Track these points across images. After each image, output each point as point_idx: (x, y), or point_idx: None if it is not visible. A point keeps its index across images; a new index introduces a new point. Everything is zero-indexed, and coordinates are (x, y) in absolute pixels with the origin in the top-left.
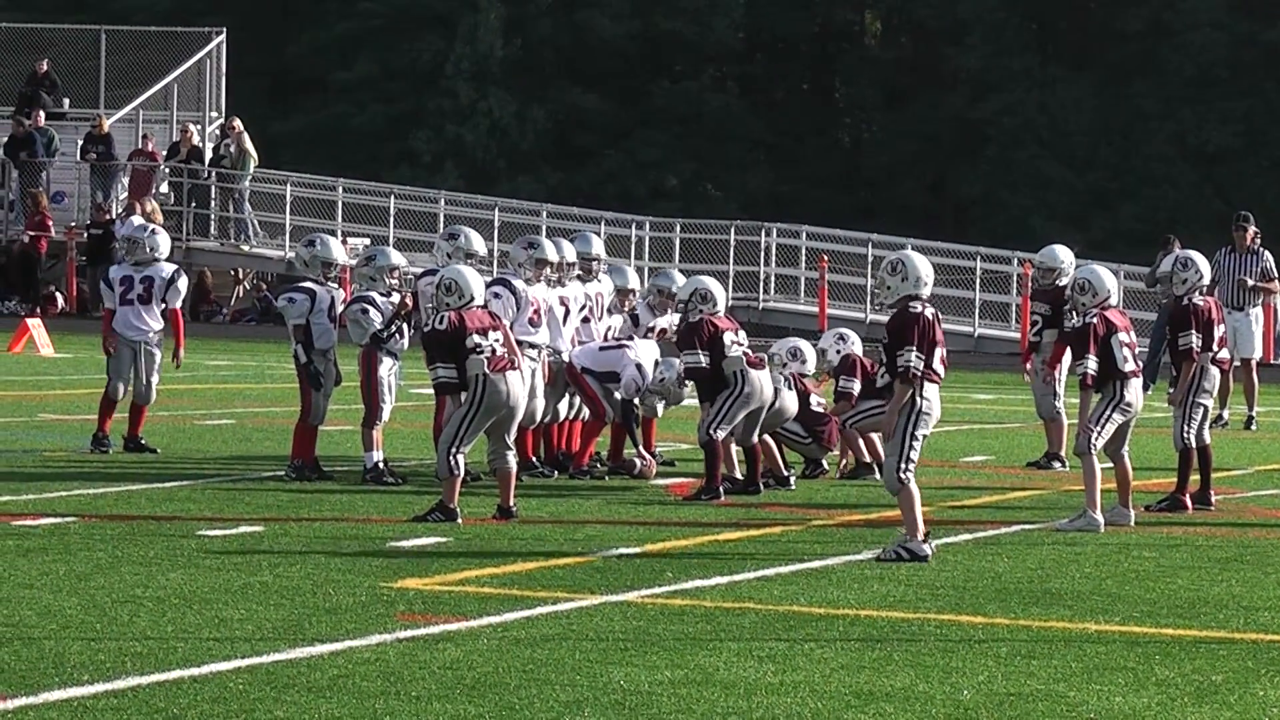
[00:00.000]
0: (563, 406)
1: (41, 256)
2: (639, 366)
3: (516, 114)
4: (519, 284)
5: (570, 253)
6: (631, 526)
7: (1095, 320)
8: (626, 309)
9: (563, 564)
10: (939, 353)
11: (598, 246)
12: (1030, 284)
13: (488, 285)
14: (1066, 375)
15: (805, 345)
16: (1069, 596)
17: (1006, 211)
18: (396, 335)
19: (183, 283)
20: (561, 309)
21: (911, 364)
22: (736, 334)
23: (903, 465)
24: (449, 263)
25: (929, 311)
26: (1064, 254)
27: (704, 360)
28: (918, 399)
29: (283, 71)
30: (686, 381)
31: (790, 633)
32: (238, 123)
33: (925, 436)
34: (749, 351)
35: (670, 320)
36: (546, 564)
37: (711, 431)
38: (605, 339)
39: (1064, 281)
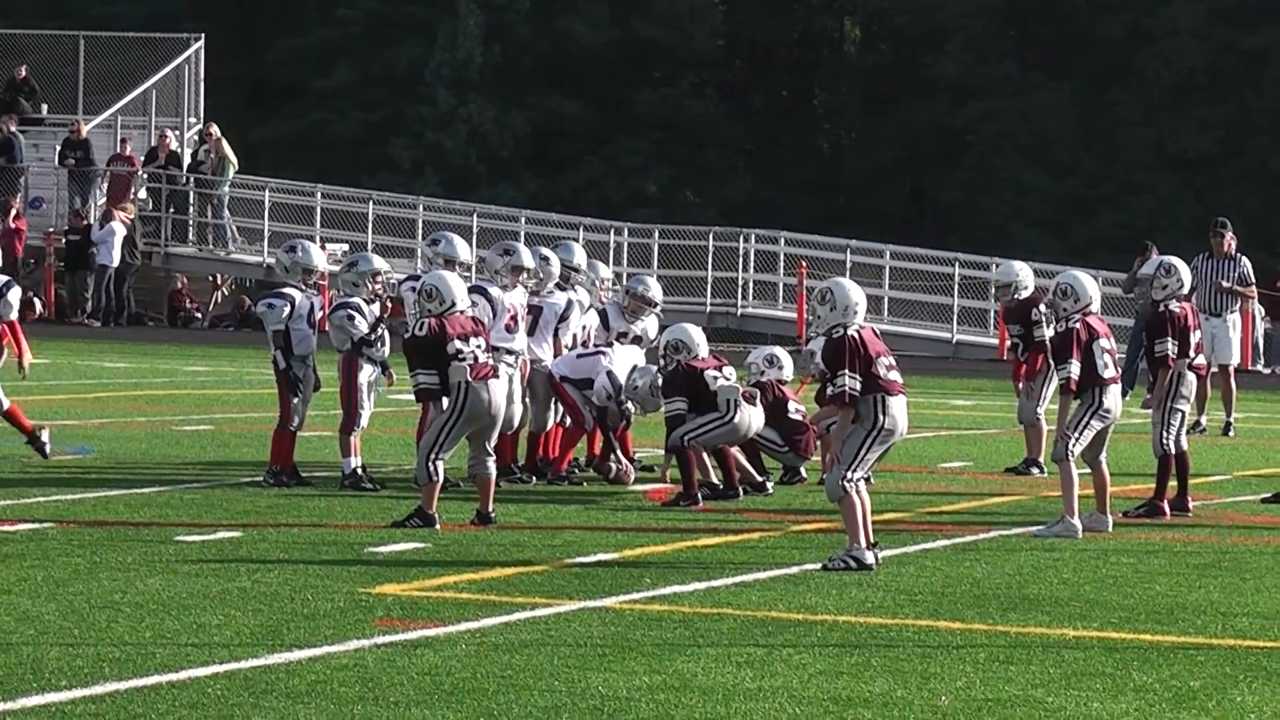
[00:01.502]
0: (551, 414)
1: (18, 261)
2: (610, 374)
3: (496, 120)
4: (495, 291)
5: (555, 264)
6: (609, 532)
7: (1078, 325)
8: (598, 305)
9: (541, 570)
10: (884, 361)
11: (579, 255)
12: (997, 301)
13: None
14: (1053, 382)
15: (782, 353)
16: (1047, 602)
17: (986, 218)
18: (379, 342)
19: (14, 294)
20: (552, 318)
21: (847, 386)
22: (720, 369)
23: (849, 474)
24: (430, 269)
25: (854, 331)
26: (1020, 268)
27: (684, 406)
28: (880, 415)
29: (262, 78)
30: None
31: (768, 638)
32: (215, 129)
33: (883, 452)
34: (743, 387)
35: (644, 325)
36: (525, 570)
37: (685, 441)
38: (586, 342)
39: (1024, 295)
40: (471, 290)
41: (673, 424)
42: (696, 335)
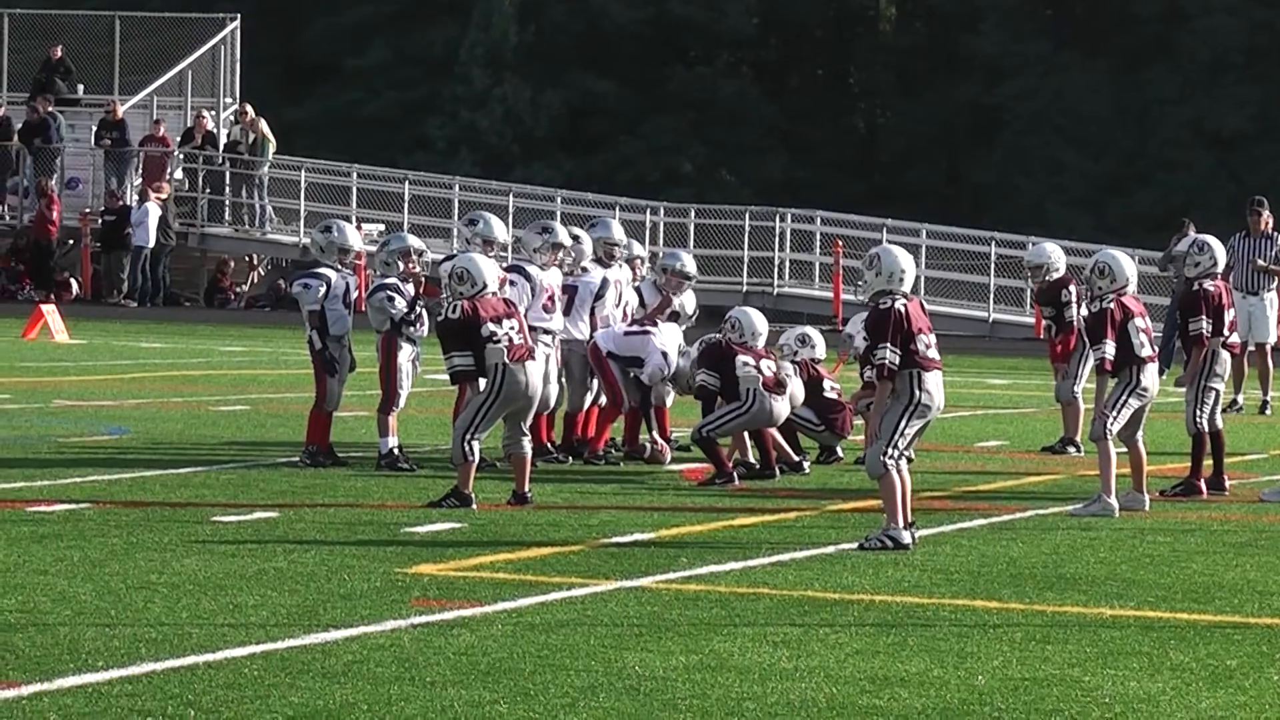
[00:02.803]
0: (589, 394)
1: (52, 243)
2: (664, 354)
3: (531, 100)
4: (534, 270)
5: (587, 243)
6: (646, 512)
7: (1112, 305)
8: (634, 282)
9: (577, 549)
10: (924, 339)
11: (618, 232)
12: (1029, 283)
13: (505, 270)
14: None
15: (814, 332)
16: (1084, 581)
17: (1021, 197)
18: (418, 322)
19: None
20: (589, 294)
21: (887, 360)
22: (758, 362)
23: (889, 451)
24: (468, 249)
25: (900, 304)
26: (1051, 249)
27: (713, 381)
28: (916, 390)
29: (297, 58)
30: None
31: (805, 618)
32: (250, 109)
33: (921, 428)
34: (771, 375)
35: (681, 301)
36: (561, 549)
37: (705, 433)
38: (626, 319)
39: (1055, 276)
40: (510, 269)
41: (700, 394)
42: (759, 325)
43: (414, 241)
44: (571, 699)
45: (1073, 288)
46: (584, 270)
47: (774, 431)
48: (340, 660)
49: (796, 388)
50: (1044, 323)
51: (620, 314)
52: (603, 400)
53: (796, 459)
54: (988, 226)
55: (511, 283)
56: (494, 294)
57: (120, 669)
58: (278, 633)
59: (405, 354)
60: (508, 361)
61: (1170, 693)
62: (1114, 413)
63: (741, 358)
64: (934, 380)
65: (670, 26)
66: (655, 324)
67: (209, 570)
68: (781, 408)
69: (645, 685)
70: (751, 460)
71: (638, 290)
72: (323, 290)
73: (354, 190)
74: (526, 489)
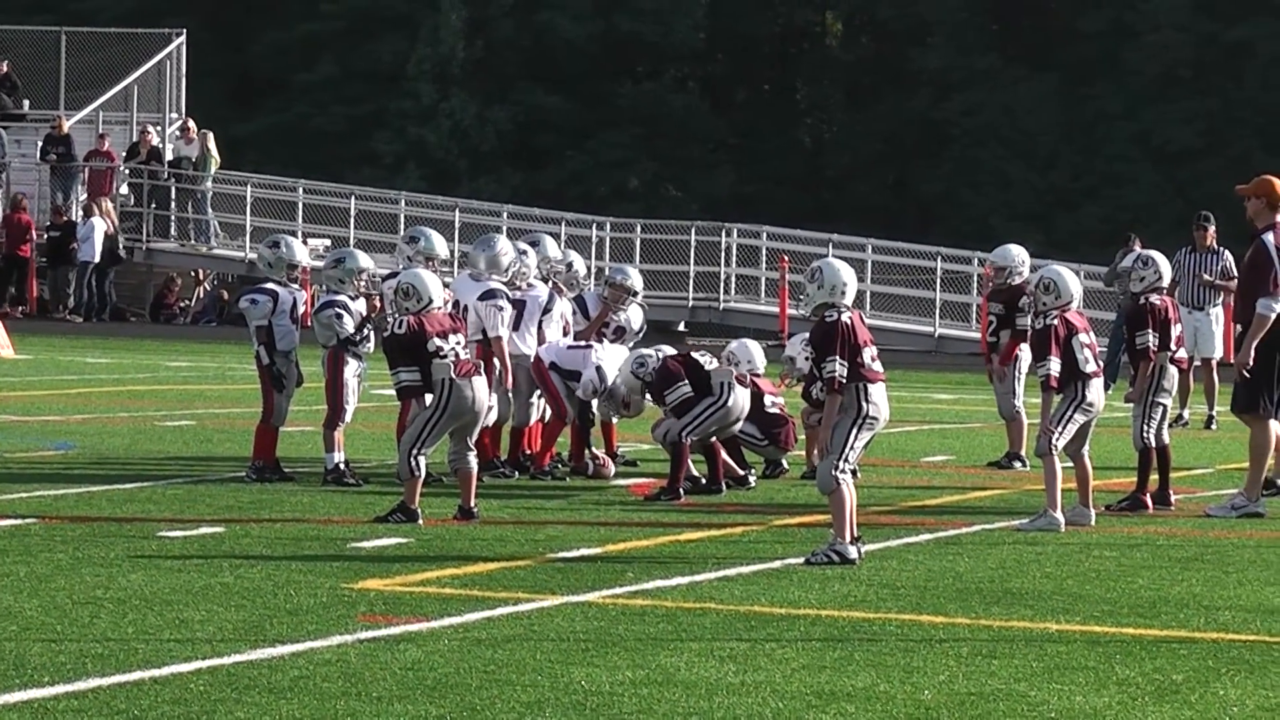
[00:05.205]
0: (535, 409)
1: (25, 260)
2: (599, 369)
3: (478, 115)
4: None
5: (533, 257)
6: (593, 527)
7: (1056, 322)
8: (571, 294)
9: (524, 565)
10: (869, 351)
11: (554, 251)
12: (988, 284)
13: (485, 296)
14: (1025, 375)
15: (755, 345)
16: (1030, 596)
17: (969, 211)
18: (364, 341)
19: None
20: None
21: (836, 373)
22: (710, 362)
23: (840, 465)
24: (410, 265)
25: (846, 316)
26: (1018, 253)
27: (688, 389)
28: (863, 403)
29: (244, 72)
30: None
31: (751, 633)
32: (192, 124)
33: (869, 440)
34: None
35: (627, 316)
36: (508, 565)
37: (682, 435)
38: (567, 332)
39: (1017, 281)
40: (491, 294)
41: (680, 411)
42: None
43: (366, 262)
44: (518, 714)
45: (1026, 297)
46: (530, 285)
47: (720, 447)
48: (287, 676)
49: (746, 395)
50: (988, 319)
51: (565, 327)
52: (548, 414)
53: (742, 473)
54: (934, 241)
55: (500, 307)
56: (440, 309)
57: (66, 685)
58: (224, 648)
59: (351, 369)
60: (454, 377)
61: (1116, 707)
62: (1059, 428)
63: (702, 355)
64: (879, 392)
65: (618, 41)
66: (601, 339)
67: (155, 586)
68: (746, 403)
69: (592, 700)
70: (696, 474)
71: (579, 300)
72: (270, 305)
73: (300, 205)
74: (473, 504)
